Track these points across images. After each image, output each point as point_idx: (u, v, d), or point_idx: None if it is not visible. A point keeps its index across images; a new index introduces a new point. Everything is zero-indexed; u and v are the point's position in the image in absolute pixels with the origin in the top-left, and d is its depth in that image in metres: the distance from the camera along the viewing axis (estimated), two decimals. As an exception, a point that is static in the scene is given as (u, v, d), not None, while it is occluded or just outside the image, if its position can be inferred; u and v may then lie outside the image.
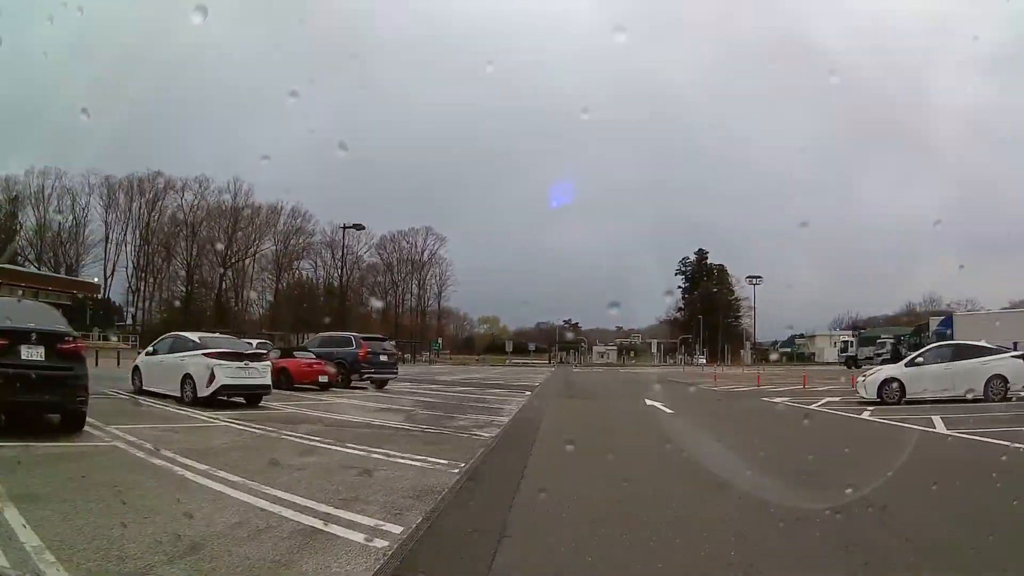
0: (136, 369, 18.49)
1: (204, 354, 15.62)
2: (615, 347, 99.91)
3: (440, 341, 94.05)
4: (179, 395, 15.80)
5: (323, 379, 22.92)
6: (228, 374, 15.43)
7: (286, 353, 24.75)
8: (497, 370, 57.76)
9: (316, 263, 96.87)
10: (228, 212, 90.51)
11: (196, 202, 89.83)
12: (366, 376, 25.14)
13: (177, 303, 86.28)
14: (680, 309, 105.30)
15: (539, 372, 53.45)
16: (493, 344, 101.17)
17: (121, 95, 71.25)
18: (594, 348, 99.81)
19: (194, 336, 17.27)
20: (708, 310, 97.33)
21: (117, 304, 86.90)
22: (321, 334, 30.16)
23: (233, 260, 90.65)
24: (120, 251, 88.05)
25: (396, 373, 27.41)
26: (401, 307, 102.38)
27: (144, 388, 17.53)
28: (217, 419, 13.41)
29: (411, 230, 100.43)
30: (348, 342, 25.91)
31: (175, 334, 18.27)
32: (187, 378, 15.66)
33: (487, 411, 17.64)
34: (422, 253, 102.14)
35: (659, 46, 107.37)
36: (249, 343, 21.91)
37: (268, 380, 16.73)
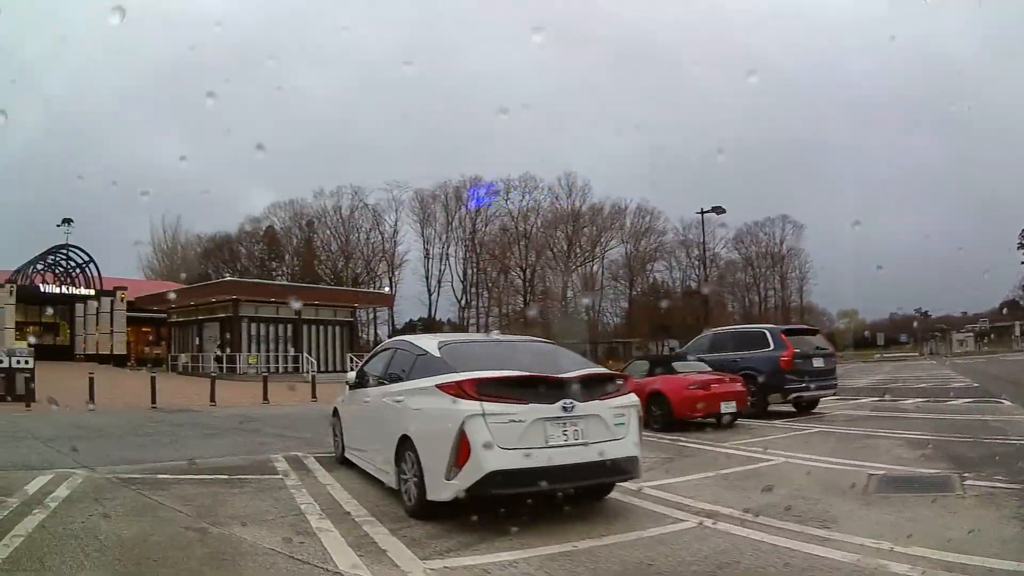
0: (336, 414, 11.15)
1: (446, 386, 7.08)
2: (971, 334, 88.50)
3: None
4: (395, 486, 7.83)
5: (728, 407, 14.52)
6: (511, 439, 6.70)
7: (658, 364, 16.47)
8: (909, 370, 44.56)
9: (670, 264, 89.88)
10: (567, 214, 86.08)
11: (525, 204, 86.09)
12: (793, 396, 16.54)
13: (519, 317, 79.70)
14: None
15: (940, 369, 43.21)
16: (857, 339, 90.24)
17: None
18: (954, 336, 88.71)
19: (426, 342, 8.56)
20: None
21: (448, 320, 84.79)
22: (711, 330, 21.03)
23: (576, 265, 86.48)
24: (444, 265, 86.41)
25: (835, 386, 18.05)
26: (764, 305, 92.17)
27: (346, 454, 10.41)
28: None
29: (767, 220, 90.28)
30: (760, 340, 17.39)
31: (398, 341, 10.07)
32: (406, 447, 7.48)
33: None
34: (780, 244, 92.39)
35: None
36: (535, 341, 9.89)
37: (631, 445, 7.38)
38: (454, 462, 6.69)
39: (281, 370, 40.56)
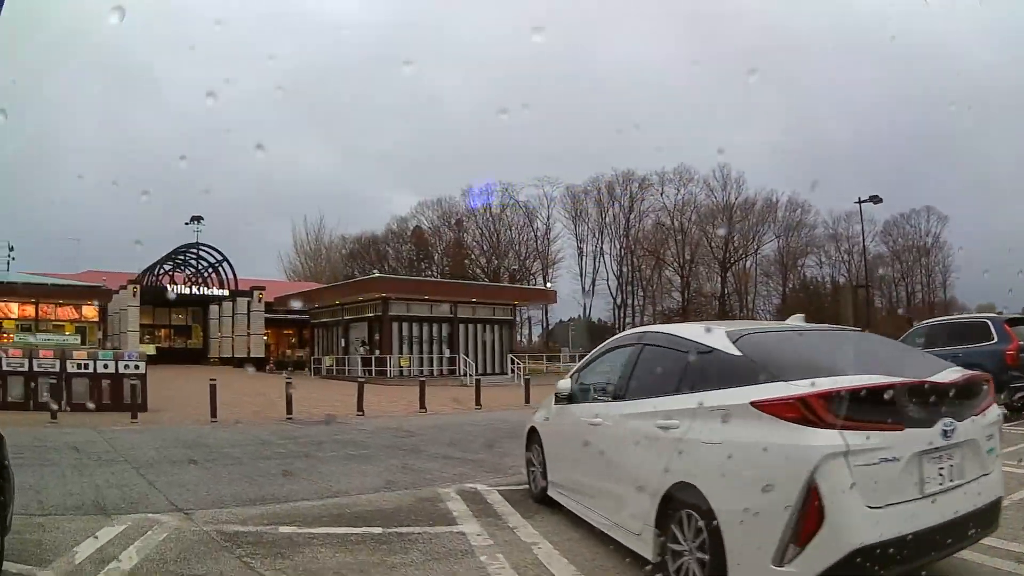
0: (534, 436, 8.51)
1: (773, 405, 4.44)
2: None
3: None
4: (652, 558, 5.18)
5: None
6: (883, 489, 4.20)
7: None
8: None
9: (820, 259, 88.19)
10: (720, 208, 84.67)
11: (680, 198, 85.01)
12: (1020, 395, 14.40)
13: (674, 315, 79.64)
14: None
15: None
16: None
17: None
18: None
19: (702, 333, 5.68)
20: None
21: (599, 320, 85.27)
22: (924, 323, 18.59)
23: (732, 262, 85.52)
24: (598, 263, 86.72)
25: None
26: (911, 300, 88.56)
27: (551, 492, 7.73)
28: None
29: (912, 212, 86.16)
30: (981, 331, 15.26)
31: (645, 333, 6.82)
32: (681, 504, 4.89)
33: None
34: (926, 236, 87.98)
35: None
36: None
37: (998, 481, 5.00)
38: (793, 536, 4.19)
39: (435, 373, 38.98)
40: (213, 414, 17.44)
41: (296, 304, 48.16)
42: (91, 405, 17.90)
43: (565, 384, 7.60)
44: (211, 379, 18.06)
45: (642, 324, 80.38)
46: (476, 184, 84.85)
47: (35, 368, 18.33)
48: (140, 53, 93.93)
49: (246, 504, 8.07)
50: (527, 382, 25.73)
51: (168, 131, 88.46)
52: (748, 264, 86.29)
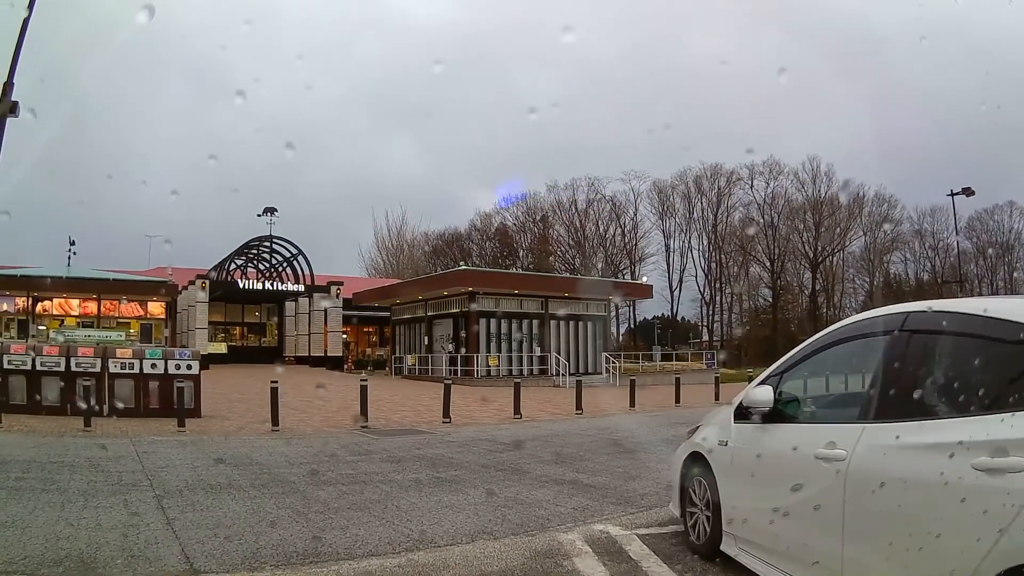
0: (698, 466, 6.25)
1: None
2: None
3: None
4: None
5: None
6: None
7: None
8: None
9: (904, 255, 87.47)
10: (810, 202, 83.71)
11: (769, 191, 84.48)
12: None
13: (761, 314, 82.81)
14: None
15: None
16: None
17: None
18: None
19: None
20: None
21: (682, 319, 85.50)
22: None
23: (821, 259, 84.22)
24: (686, 259, 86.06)
25: None
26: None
27: (727, 546, 5.60)
28: None
29: (995, 207, 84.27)
30: None
31: (905, 314, 4.40)
32: None
33: None
34: (1008, 232, 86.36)
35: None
36: None
37: None
38: None
39: (525, 373, 37.05)
40: (274, 422, 15.43)
41: (376, 300, 46.60)
42: (134, 409, 16.34)
43: (762, 394, 5.25)
44: (272, 381, 15.93)
45: (729, 322, 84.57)
46: (506, 185, 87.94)
47: (73, 368, 16.56)
48: (228, 55, 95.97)
49: (292, 562, 5.86)
50: (632, 383, 23.17)
51: (249, 131, 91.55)
52: (834, 260, 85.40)
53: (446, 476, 10.08)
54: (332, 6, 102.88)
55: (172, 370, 16.74)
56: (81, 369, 16.52)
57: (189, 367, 17.01)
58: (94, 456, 11.26)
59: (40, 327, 39.32)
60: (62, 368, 16.53)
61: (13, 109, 11.86)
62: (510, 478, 9.99)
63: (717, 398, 24.78)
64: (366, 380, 17.09)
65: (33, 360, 16.55)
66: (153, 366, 16.76)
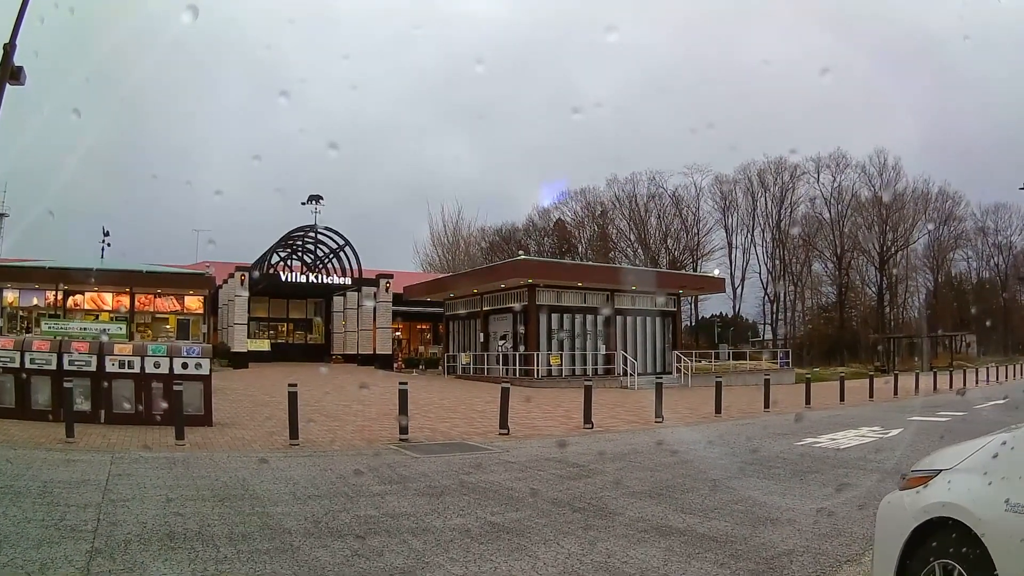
0: (944, 539, 3.79)
1: None
2: None
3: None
4: None
5: None
6: None
7: None
8: None
9: (967, 253, 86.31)
10: (875, 198, 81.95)
11: (835, 186, 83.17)
12: None
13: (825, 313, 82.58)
14: None
15: None
16: None
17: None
18: None
19: None
20: None
21: (744, 319, 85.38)
22: None
23: (888, 256, 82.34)
24: (749, 255, 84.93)
25: None
26: None
27: None
28: None
29: None
30: None
31: None
32: None
33: None
34: None
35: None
36: None
37: None
38: None
39: (589, 372, 34.36)
40: (293, 434, 12.93)
41: (428, 294, 44.34)
42: (133, 415, 14.31)
43: None
44: (290, 384, 13.40)
45: (792, 320, 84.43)
46: (556, 181, 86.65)
47: (65, 366, 14.35)
48: (292, 57, 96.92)
49: None
50: (719, 385, 20.21)
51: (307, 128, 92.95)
52: (899, 256, 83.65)
53: (504, 522, 7.36)
54: (389, 5, 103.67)
55: (178, 369, 14.37)
56: (75, 367, 14.34)
57: (198, 366, 14.63)
58: (53, 479, 8.86)
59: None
60: (53, 366, 14.35)
61: (16, 75, 11.17)
62: (594, 524, 7.32)
63: (808, 402, 21.95)
64: (405, 384, 14.42)
65: (22, 357, 14.39)
66: (156, 365, 14.39)
